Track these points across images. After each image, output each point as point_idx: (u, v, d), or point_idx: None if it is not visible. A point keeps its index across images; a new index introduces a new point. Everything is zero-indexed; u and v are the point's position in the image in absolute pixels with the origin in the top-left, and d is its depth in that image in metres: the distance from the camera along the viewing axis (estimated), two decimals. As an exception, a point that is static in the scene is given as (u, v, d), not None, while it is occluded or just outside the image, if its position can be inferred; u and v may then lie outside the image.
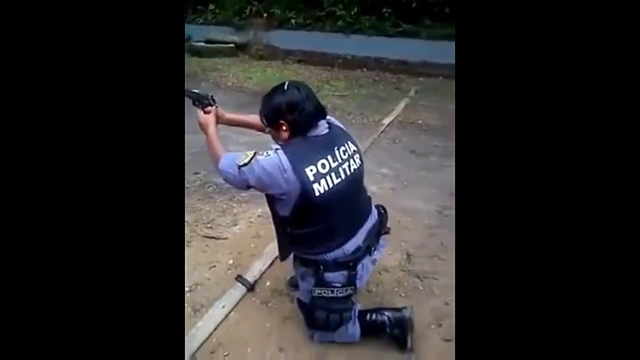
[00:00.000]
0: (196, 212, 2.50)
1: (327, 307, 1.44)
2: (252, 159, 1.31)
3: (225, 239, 2.28)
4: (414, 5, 6.39)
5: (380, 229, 1.56)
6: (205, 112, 1.58)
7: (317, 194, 1.28)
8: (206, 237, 2.28)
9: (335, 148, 1.36)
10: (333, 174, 1.32)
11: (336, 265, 1.41)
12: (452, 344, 1.63)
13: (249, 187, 1.35)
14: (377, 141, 3.75)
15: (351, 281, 1.44)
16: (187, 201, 2.61)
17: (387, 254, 2.12)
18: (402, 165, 3.26)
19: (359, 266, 1.44)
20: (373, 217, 1.54)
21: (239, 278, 1.92)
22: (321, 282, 1.43)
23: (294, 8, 7.31)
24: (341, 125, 1.51)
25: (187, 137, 3.44)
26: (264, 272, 2.00)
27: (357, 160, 1.43)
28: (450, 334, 1.68)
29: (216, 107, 1.60)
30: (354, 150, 1.43)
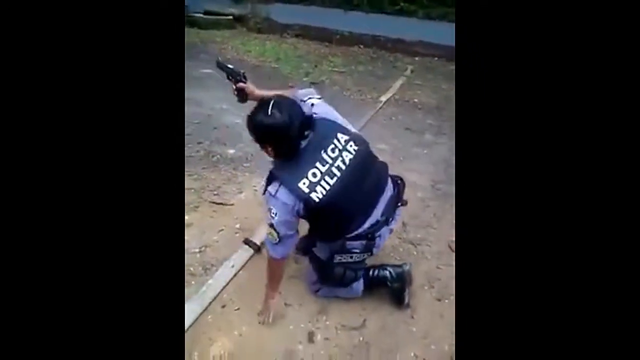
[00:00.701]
0: (202, 180, 2.61)
1: (345, 265, 1.60)
2: (274, 230, 1.43)
3: (232, 205, 2.40)
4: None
5: (397, 200, 1.65)
6: (237, 88, 1.67)
7: (316, 200, 1.38)
8: (213, 203, 2.39)
9: (322, 151, 1.42)
10: (327, 177, 1.40)
11: (356, 237, 1.54)
12: (443, 303, 1.80)
13: (295, 233, 1.49)
14: (374, 118, 3.85)
15: (369, 248, 1.58)
16: (193, 169, 2.71)
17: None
18: (398, 142, 3.39)
19: (377, 235, 1.57)
20: (389, 189, 1.63)
21: (247, 240, 2.05)
22: (341, 250, 1.57)
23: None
24: (328, 113, 1.56)
25: (189, 109, 3.51)
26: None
27: (353, 148, 1.48)
28: (441, 294, 1.85)
29: (246, 82, 1.68)
30: (346, 140, 1.48)
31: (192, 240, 2.07)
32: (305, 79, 4.83)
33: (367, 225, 1.53)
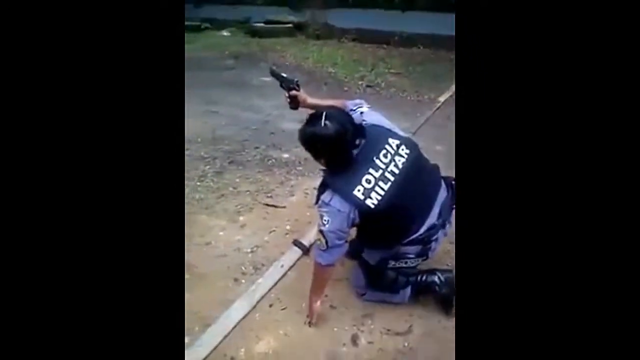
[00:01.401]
0: (257, 183, 2.71)
1: (398, 270, 1.58)
2: (324, 237, 1.43)
3: (284, 207, 2.46)
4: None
5: (453, 202, 1.61)
6: (290, 96, 1.72)
7: (372, 206, 1.38)
8: (266, 205, 2.47)
9: (375, 158, 1.42)
10: (381, 182, 1.40)
11: (412, 242, 1.52)
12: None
13: (344, 243, 1.47)
14: (431, 119, 3.75)
15: (425, 253, 1.56)
16: (249, 172, 2.83)
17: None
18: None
19: (433, 239, 1.54)
20: (443, 191, 1.60)
21: (296, 242, 2.10)
22: (396, 255, 1.56)
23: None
24: (378, 120, 1.56)
25: (248, 115, 3.68)
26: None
27: (405, 151, 1.48)
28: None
29: (299, 90, 1.72)
30: (397, 145, 1.48)
31: (245, 240, 2.16)
32: (360, 82, 4.82)
33: (423, 229, 1.51)
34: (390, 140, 1.48)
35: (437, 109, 3.97)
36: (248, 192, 2.59)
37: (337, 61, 5.70)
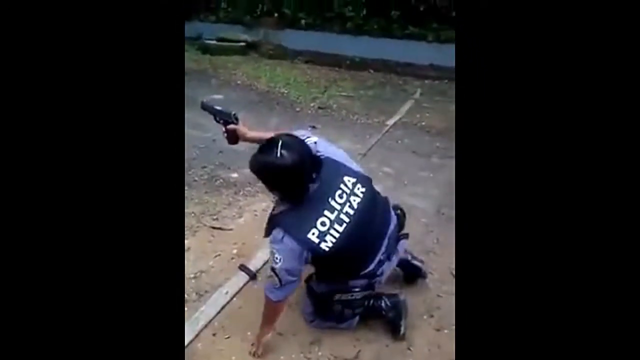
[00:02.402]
0: (203, 204, 2.61)
1: (344, 304, 1.56)
2: (277, 275, 1.37)
3: (230, 229, 2.38)
4: (421, 9, 6.46)
5: (398, 234, 1.61)
6: (228, 130, 1.62)
7: (326, 249, 1.34)
8: (212, 227, 2.38)
9: (330, 199, 1.37)
10: (336, 224, 1.35)
11: (360, 277, 1.52)
12: (443, 333, 1.72)
13: (297, 279, 1.43)
14: (381, 141, 3.83)
15: (371, 286, 1.56)
16: (195, 193, 2.72)
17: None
18: (404, 165, 3.34)
19: (379, 273, 1.54)
20: (392, 223, 1.59)
21: (242, 267, 2.02)
22: (343, 289, 1.54)
23: (304, 8, 7.40)
24: (333, 152, 1.50)
25: (195, 133, 3.55)
26: (266, 262, 2.09)
27: (360, 190, 1.43)
28: (441, 324, 1.76)
29: (237, 124, 1.62)
30: (353, 183, 1.43)
31: (188, 265, 2.05)
32: (312, 104, 4.85)
33: (373, 265, 1.51)
34: (346, 179, 1.43)
35: (386, 131, 4.06)
36: (193, 214, 2.48)
37: (290, 82, 5.72)
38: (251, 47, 7.46)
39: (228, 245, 2.24)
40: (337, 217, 1.36)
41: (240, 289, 1.92)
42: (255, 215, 2.53)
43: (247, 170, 2.90)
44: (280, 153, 1.26)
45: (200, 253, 2.15)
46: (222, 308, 1.81)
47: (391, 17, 6.79)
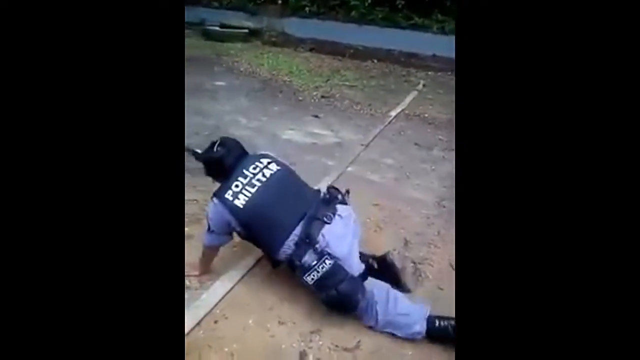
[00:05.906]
0: (206, 192, 2.58)
1: (323, 283, 1.59)
2: (207, 222, 1.79)
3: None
4: (427, -1, 6.41)
5: (320, 213, 1.69)
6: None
7: (240, 206, 1.66)
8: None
9: (244, 170, 1.73)
10: (247, 187, 1.69)
11: (299, 249, 1.62)
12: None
13: (224, 236, 1.83)
14: (383, 132, 3.82)
15: (322, 253, 1.59)
16: (198, 180, 2.69)
17: (386, 239, 2.22)
18: (406, 157, 3.35)
19: (320, 237, 1.60)
20: (315, 208, 1.71)
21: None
22: (304, 270, 1.60)
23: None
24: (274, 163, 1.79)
25: (198, 120, 3.48)
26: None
27: (274, 167, 1.76)
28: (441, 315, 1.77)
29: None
30: (268, 162, 1.78)
31: (189, 253, 2.05)
32: (315, 92, 4.83)
33: (292, 240, 1.63)
34: (263, 160, 1.78)
35: (389, 123, 4.05)
36: (196, 202, 2.48)
37: (293, 70, 5.69)
38: (254, 34, 7.40)
39: (230, 233, 2.23)
40: (249, 181, 1.70)
41: (242, 277, 1.93)
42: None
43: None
44: (217, 147, 1.77)
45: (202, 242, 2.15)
46: (224, 296, 1.82)
47: (396, 7, 6.73)
